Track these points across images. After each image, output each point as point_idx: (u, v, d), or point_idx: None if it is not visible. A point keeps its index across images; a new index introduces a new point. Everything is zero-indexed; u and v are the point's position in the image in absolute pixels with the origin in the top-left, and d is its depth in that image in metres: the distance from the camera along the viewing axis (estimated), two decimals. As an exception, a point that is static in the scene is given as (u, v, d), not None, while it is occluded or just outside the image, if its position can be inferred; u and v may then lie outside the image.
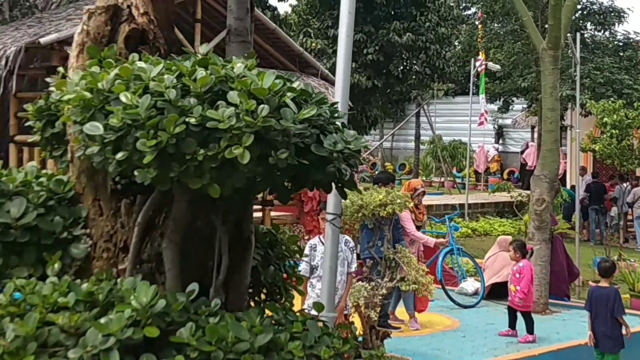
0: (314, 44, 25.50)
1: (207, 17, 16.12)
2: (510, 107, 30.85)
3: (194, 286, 3.37)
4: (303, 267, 7.76)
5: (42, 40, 13.03)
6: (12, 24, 15.47)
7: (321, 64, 19.68)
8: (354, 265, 8.54)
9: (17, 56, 13.12)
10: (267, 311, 3.54)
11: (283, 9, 40.76)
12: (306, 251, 8.00)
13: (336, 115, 3.52)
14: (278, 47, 17.28)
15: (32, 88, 15.69)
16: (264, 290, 4.14)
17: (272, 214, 15.14)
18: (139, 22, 3.85)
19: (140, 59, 3.53)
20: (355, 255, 8.64)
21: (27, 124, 4.07)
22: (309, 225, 15.51)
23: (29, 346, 3.10)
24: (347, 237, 8.66)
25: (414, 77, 28.92)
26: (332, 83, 17.90)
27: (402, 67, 28.79)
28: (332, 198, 6.11)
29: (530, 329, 10.71)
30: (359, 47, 26.24)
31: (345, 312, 8.54)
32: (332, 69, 23.90)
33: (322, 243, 7.68)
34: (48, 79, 3.73)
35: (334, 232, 6.12)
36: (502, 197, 26.19)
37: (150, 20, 3.87)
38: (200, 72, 3.26)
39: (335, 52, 25.73)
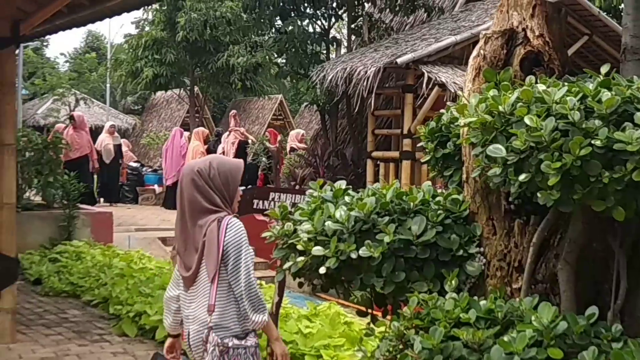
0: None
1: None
2: None
3: (593, 309, 3.32)
4: None
5: (399, 60, 13.62)
6: (370, 45, 16.32)
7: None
8: None
9: (376, 76, 13.84)
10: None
11: None
12: None
13: None
14: None
15: (387, 106, 16.45)
16: (659, 317, 3.96)
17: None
18: (534, 44, 3.89)
19: (536, 81, 3.57)
20: None
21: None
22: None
23: (435, 358, 3.26)
24: None
25: None
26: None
27: None
28: None
29: None
30: None
31: None
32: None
33: None
34: (449, 103, 3.89)
35: None
36: None
37: (545, 42, 3.89)
38: (605, 94, 3.21)
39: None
